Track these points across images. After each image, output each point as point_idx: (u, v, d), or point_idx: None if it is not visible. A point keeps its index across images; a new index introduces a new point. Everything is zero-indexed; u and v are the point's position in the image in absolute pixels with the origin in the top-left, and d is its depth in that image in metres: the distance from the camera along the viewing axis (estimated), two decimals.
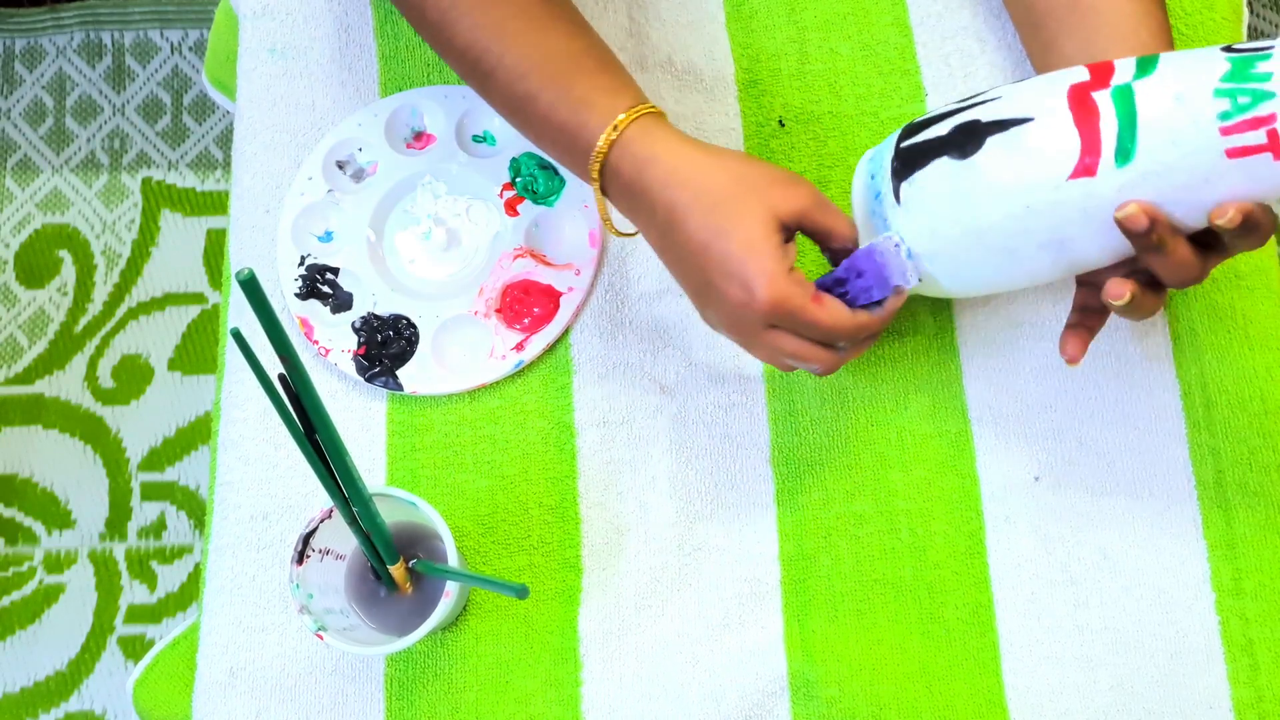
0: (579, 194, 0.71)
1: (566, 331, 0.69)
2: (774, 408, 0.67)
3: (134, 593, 1.28)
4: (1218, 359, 0.66)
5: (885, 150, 0.58)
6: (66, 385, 1.35)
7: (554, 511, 0.67)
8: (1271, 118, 0.48)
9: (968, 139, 0.54)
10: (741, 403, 0.67)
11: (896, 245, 0.58)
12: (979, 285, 0.58)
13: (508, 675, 0.65)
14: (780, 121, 0.72)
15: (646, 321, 0.69)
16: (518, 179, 0.72)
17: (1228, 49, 0.50)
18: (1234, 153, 0.49)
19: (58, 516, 1.31)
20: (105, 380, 1.35)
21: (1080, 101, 0.52)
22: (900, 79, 0.72)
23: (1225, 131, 0.49)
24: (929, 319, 0.68)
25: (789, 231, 0.58)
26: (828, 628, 0.64)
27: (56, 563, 1.30)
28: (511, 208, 0.72)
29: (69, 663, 1.27)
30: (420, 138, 0.74)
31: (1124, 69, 0.52)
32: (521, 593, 0.55)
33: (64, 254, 1.39)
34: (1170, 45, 0.61)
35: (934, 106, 0.71)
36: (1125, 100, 0.51)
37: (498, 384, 0.69)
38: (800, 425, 0.67)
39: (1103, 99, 0.51)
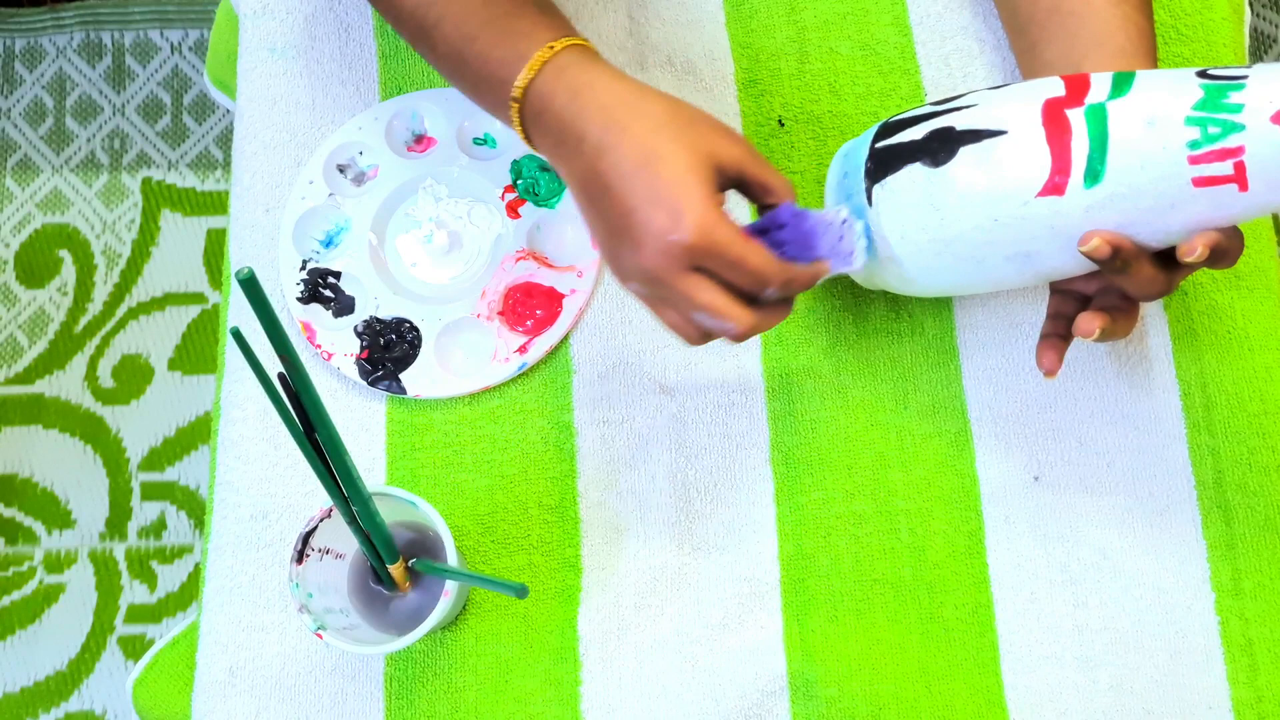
0: None
1: (568, 333, 0.69)
2: (774, 407, 0.67)
3: (134, 592, 1.29)
4: (1218, 359, 0.66)
5: (860, 148, 0.58)
6: (66, 385, 1.35)
7: (554, 511, 0.67)
8: (1239, 150, 0.48)
9: (941, 147, 0.54)
10: (741, 402, 0.67)
11: (844, 221, 0.58)
12: (946, 288, 0.59)
13: (507, 674, 0.65)
14: (780, 121, 0.72)
15: (646, 321, 0.69)
16: (519, 181, 0.72)
17: (1203, 74, 0.50)
18: (1200, 181, 0.49)
19: (58, 516, 1.31)
20: (105, 380, 1.35)
21: (1054, 118, 0.52)
22: (900, 79, 0.72)
23: (1193, 160, 0.49)
24: (929, 319, 0.68)
25: (724, 179, 0.56)
26: (827, 627, 0.64)
27: (56, 563, 1.30)
28: (513, 210, 0.72)
29: (69, 662, 1.27)
30: (421, 141, 0.74)
31: (1100, 85, 0.52)
32: (521, 592, 0.55)
33: (64, 254, 1.39)
34: (1152, 51, 0.62)
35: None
36: (1098, 121, 0.51)
37: (498, 384, 0.69)
38: (800, 425, 0.67)
39: (1076, 117, 0.51)
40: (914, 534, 0.65)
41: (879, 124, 0.58)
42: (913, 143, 0.55)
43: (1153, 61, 0.62)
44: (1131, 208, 0.51)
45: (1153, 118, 0.50)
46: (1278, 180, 0.48)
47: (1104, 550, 0.64)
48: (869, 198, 0.56)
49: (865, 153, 0.57)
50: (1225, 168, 0.49)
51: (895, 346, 0.68)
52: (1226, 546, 0.63)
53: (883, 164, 0.56)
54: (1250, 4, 1.36)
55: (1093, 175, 0.51)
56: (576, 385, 0.69)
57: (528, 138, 0.60)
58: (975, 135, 0.53)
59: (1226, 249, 0.52)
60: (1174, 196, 0.50)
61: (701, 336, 0.57)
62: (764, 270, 0.54)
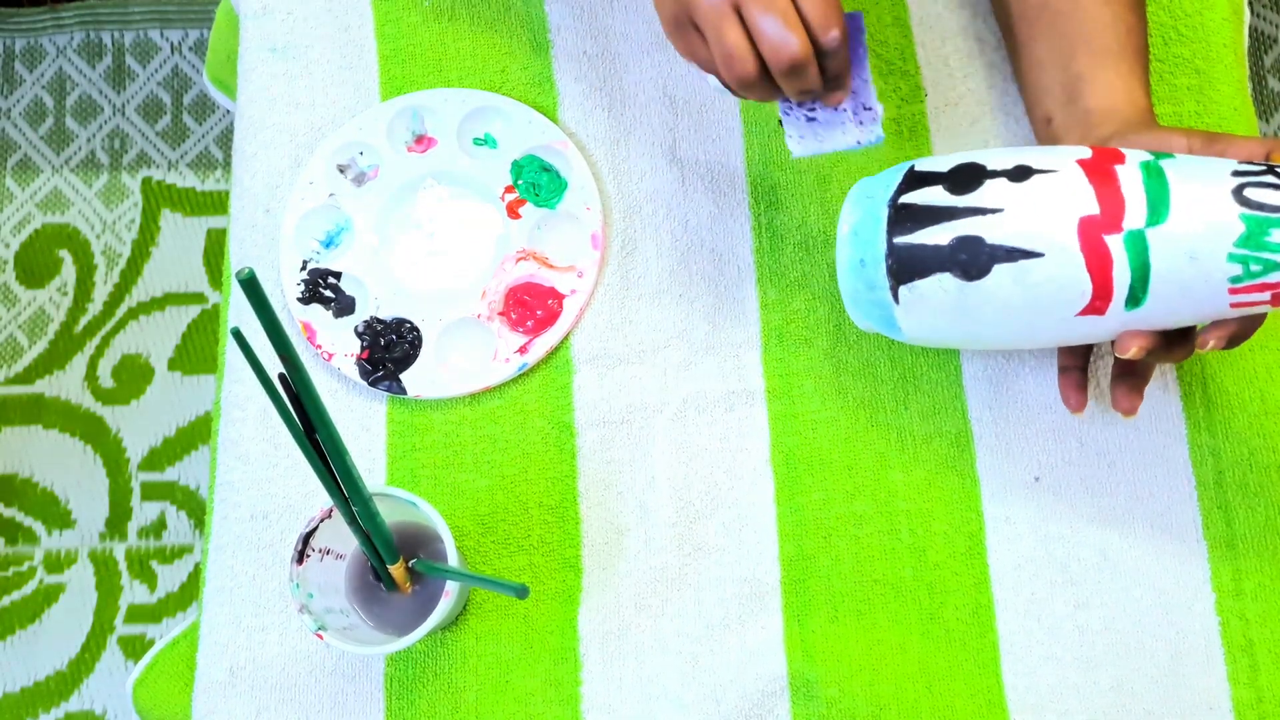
0: (581, 196, 0.71)
1: (569, 333, 0.69)
2: (774, 408, 0.67)
3: (134, 592, 1.28)
4: (1218, 359, 0.66)
5: (873, 231, 0.57)
6: (66, 385, 1.35)
7: (554, 511, 0.67)
8: (1278, 285, 0.51)
9: (972, 261, 0.54)
10: (742, 402, 0.67)
11: (870, 110, 0.60)
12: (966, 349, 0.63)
13: (508, 675, 0.65)
14: (780, 121, 0.72)
15: (647, 321, 0.69)
16: (519, 181, 0.72)
17: (1240, 194, 0.50)
18: (1238, 305, 0.52)
19: (58, 516, 1.31)
20: (105, 380, 1.35)
21: (1092, 244, 0.52)
22: (900, 79, 0.72)
23: (1233, 291, 0.51)
24: None
25: None
26: (828, 628, 0.64)
27: (56, 562, 1.30)
28: (513, 210, 0.72)
29: (69, 662, 1.27)
30: (421, 141, 0.74)
31: (1134, 201, 0.52)
32: (521, 592, 0.55)
33: (64, 254, 1.39)
34: (1143, 49, 0.62)
35: (937, 112, 0.71)
36: (1139, 251, 0.52)
37: (498, 384, 0.69)
38: (800, 425, 0.67)
39: (1115, 245, 0.52)
40: (915, 534, 0.65)
41: (888, 199, 0.57)
42: (939, 249, 0.55)
43: (1143, 60, 0.62)
44: (1169, 322, 0.54)
45: (1195, 253, 0.51)
46: None
47: (1104, 551, 0.64)
48: (895, 295, 0.57)
49: (881, 240, 0.56)
50: (1264, 296, 0.51)
51: (895, 346, 0.68)
52: (1227, 547, 0.63)
53: (907, 267, 0.56)
54: (1250, 4, 1.36)
55: (1134, 300, 0.53)
56: (577, 385, 0.69)
57: None
58: (1010, 254, 0.53)
59: (1238, 336, 0.55)
60: (1211, 314, 0.53)
61: (753, 58, 0.55)
62: (829, 4, 0.54)
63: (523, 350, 0.69)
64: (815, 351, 0.68)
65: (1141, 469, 0.65)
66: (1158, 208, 0.52)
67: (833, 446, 0.66)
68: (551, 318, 0.69)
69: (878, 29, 0.73)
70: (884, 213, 0.56)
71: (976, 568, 0.64)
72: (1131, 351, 0.54)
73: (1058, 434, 0.65)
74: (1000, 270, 0.54)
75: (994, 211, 0.54)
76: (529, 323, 0.69)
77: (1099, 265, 0.52)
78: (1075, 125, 0.61)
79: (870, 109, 0.61)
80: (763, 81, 0.57)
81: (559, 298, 0.69)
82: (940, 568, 0.64)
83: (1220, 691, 0.61)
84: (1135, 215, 0.52)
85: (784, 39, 0.54)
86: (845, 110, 0.61)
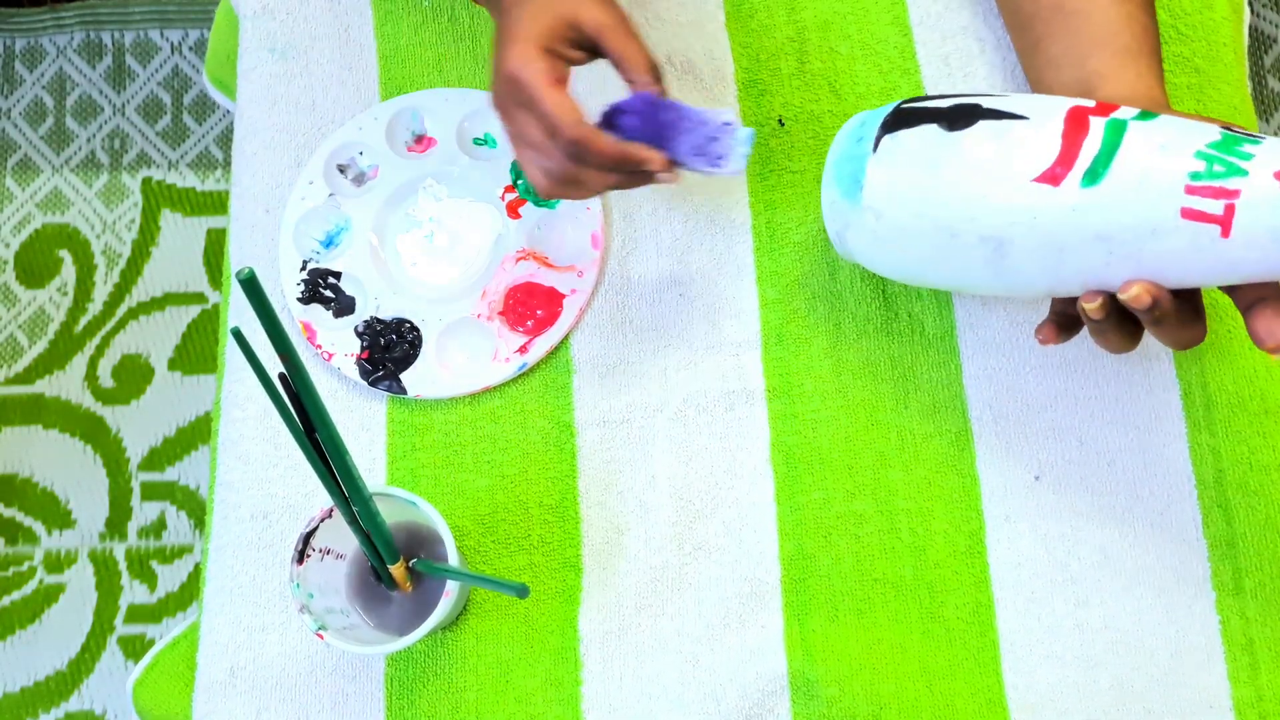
0: None
1: (569, 333, 0.69)
2: (774, 407, 0.67)
3: (134, 592, 1.29)
4: (1218, 359, 0.66)
5: (885, 109, 0.59)
6: (66, 385, 1.35)
7: (554, 511, 0.67)
8: (1235, 193, 0.49)
9: (961, 115, 0.56)
10: (742, 402, 0.67)
11: (725, 124, 0.59)
12: (911, 260, 0.59)
13: (508, 674, 0.65)
14: (780, 121, 0.72)
15: (647, 321, 0.69)
16: (519, 181, 0.72)
17: (1228, 126, 0.52)
18: (1188, 214, 0.50)
19: (58, 516, 1.31)
20: (105, 380, 1.35)
21: (1076, 119, 0.53)
22: (900, 78, 0.72)
23: (1189, 190, 0.49)
24: (929, 318, 0.68)
25: (578, 36, 0.59)
26: (828, 627, 0.64)
27: (56, 562, 1.30)
28: (513, 210, 0.72)
29: (69, 662, 1.27)
30: (421, 141, 0.74)
31: (1128, 111, 0.54)
32: (521, 592, 0.56)
33: (64, 254, 1.39)
34: (1156, 49, 0.62)
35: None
36: (1116, 131, 0.52)
37: (499, 384, 0.69)
38: (800, 424, 0.67)
39: (1096, 123, 0.53)
40: (915, 534, 0.65)
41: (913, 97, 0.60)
42: (936, 108, 0.57)
43: (1157, 60, 0.62)
44: (1115, 221, 0.51)
45: (1166, 144, 0.51)
46: (1258, 238, 0.49)
47: (1104, 550, 0.64)
48: (876, 144, 0.57)
49: (888, 110, 0.59)
50: (1216, 206, 0.49)
51: (895, 346, 0.68)
52: (1227, 545, 0.63)
53: (902, 118, 0.57)
54: (1250, 4, 1.36)
55: (1092, 175, 0.51)
56: (577, 385, 0.69)
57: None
58: (997, 114, 0.55)
59: (1171, 311, 0.52)
60: (1158, 221, 0.50)
61: (545, 178, 0.59)
62: (555, 119, 0.57)
63: (523, 350, 0.69)
64: (815, 351, 0.68)
65: (1141, 468, 0.65)
66: (1149, 114, 0.53)
67: (833, 446, 0.66)
68: (551, 317, 0.69)
69: (878, 28, 0.73)
70: (898, 102, 0.59)
71: (976, 567, 0.64)
72: (1133, 290, 0.51)
73: (1058, 433, 0.66)
74: (982, 126, 0.55)
75: (999, 95, 0.57)
76: (529, 322, 0.69)
77: (1073, 133, 0.52)
78: None
79: (717, 139, 0.60)
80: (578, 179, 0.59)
81: (559, 297, 0.70)
82: (940, 566, 0.64)
83: (1220, 690, 0.61)
84: (1125, 114, 0.53)
85: (541, 164, 0.59)
86: (711, 142, 0.60)
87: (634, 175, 0.60)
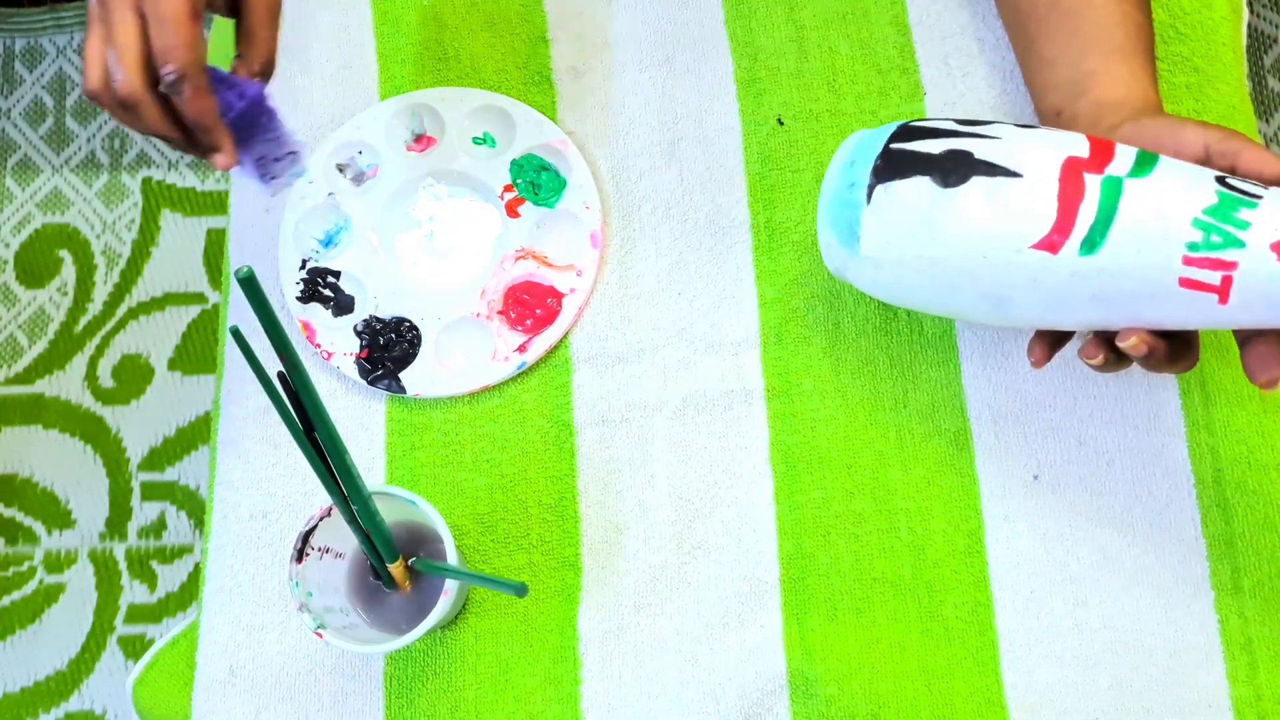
0: (580, 195, 0.71)
1: (568, 332, 0.69)
2: (773, 407, 0.67)
3: (134, 592, 1.29)
4: (1217, 357, 0.66)
5: (875, 142, 0.58)
6: (66, 385, 1.35)
7: (553, 510, 0.67)
8: (1232, 265, 0.49)
9: (954, 168, 0.54)
10: (741, 402, 0.67)
11: (291, 154, 0.62)
12: (911, 303, 0.59)
13: (507, 673, 0.65)
14: (779, 120, 0.72)
15: (646, 320, 0.69)
16: (519, 180, 0.72)
17: (1223, 180, 0.51)
18: (1186, 283, 0.50)
19: (58, 516, 1.31)
20: (105, 380, 1.35)
21: (1071, 178, 0.52)
22: (899, 78, 0.72)
23: (1186, 261, 0.50)
24: (929, 318, 0.68)
25: None
26: (827, 626, 0.64)
27: (57, 562, 1.30)
28: (512, 209, 0.72)
29: (69, 662, 1.27)
30: (421, 140, 0.74)
31: (1124, 158, 0.53)
32: (521, 591, 0.56)
33: (64, 254, 1.39)
34: (1151, 48, 0.62)
35: (937, 112, 0.71)
36: (1112, 193, 0.51)
37: (498, 383, 0.69)
38: (799, 424, 0.67)
39: (1092, 183, 0.52)
40: (913, 533, 0.65)
41: (899, 123, 0.58)
42: (928, 155, 0.55)
43: (1151, 59, 0.62)
44: (1113, 286, 0.52)
45: (1162, 209, 0.50)
46: (1255, 303, 0.49)
47: (1104, 549, 0.64)
48: (869, 195, 0.57)
49: (879, 148, 0.57)
50: (1213, 277, 0.49)
51: (894, 345, 0.68)
52: (1226, 544, 0.63)
53: (892, 166, 0.56)
54: (1249, 3, 1.36)
55: (1090, 244, 0.51)
56: (576, 384, 0.69)
57: None
58: (991, 169, 0.54)
59: (1164, 356, 0.53)
60: (1155, 289, 0.51)
61: (99, 76, 0.56)
62: (178, 36, 0.54)
63: (522, 349, 0.69)
64: (814, 350, 0.68)
65: (1140, 467, 0.65)
66: (1143, 165, 0.52)
67: (832, 445, 0.66)
68: (551, 316, 0.69)
69: (877, 27, 0.73)
70: (889, 130, 0.58)
71: (975, 566, 0.64)
72: (1131, 341, 0.53)
73: (1057, 433, 0.66)
74: (976, 182, 0.54)
75: (992, 138, 0.55)
76: (528, 321, 0.69)
77: (1069, 197, 0.52)
78: (1085, 116, 0.61)
79: (279, 160, 0.62)
80: (113, 105, 0.56)
81: (558, 296, 0.70)
82: (939, 566, 0.64)
83: (1219, 689, 0.61)
84: (1120, 165, 0.52)
85: (114, 70, 0.55)
86: (275, 162, 0.62)
87: (188, 146, 0.59)
